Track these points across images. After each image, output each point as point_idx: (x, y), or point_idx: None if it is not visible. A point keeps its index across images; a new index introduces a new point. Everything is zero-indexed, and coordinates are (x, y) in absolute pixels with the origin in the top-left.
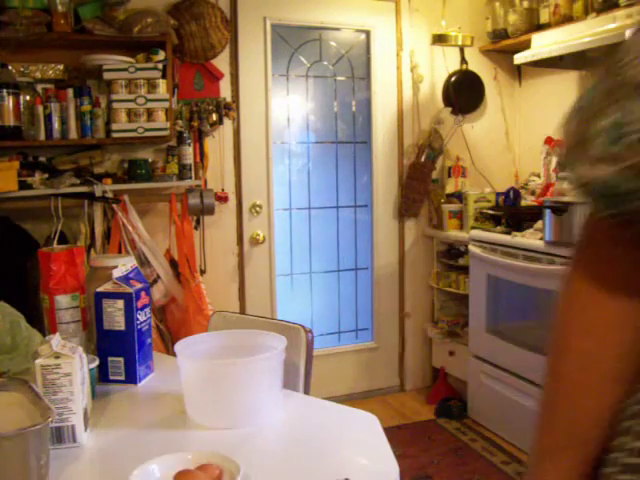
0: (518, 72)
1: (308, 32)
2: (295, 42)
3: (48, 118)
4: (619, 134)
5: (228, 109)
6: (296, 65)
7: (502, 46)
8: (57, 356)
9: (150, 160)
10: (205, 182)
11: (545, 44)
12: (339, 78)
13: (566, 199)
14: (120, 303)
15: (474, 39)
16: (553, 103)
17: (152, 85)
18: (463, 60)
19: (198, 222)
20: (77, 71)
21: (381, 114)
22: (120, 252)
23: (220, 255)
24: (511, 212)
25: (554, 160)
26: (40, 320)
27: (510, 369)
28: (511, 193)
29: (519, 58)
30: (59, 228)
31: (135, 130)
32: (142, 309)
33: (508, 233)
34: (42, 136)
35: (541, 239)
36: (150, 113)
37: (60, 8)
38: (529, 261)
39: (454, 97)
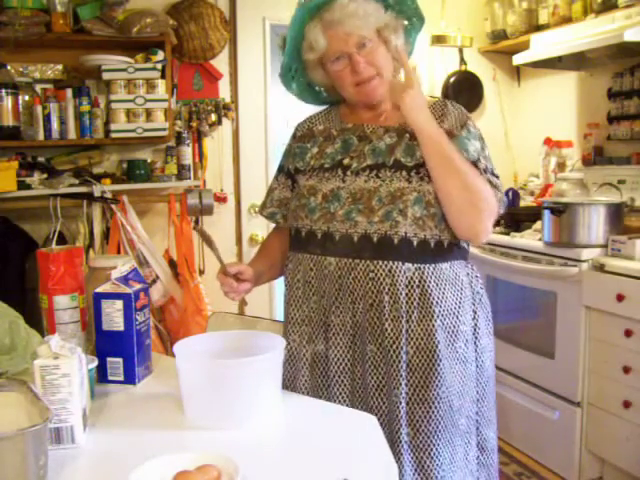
0: (517, 73)
1: None
2: None
3: (47, 118)
4: None
5: (227, 109)
6: None
7: (501, 47)
8: (56, 357)
9: (149, 160)
10: (204, 182)
11: (544, 45)
12: None
13: (565, 200)
14: (119, 304)
15: (473, 40)
16: (552, 104)
17: (151, 85)
18: (462, 61)
19: (197, 222)
20: (76, 71)
21: None
22: (119, 252)
23: None
24: (510, 213)
25: (553, 161)
26: (39, 320)
27: (508, 369)
28: (510, 194)
29: (518, 59)
30: (58, 228)
31: (134, 130)
32: (141, 310)
33: (507, 234)
34: (41, 136)
35: (540, 240)
36: (149, 113)
37: (59, 8)
38: (528, 262)
39: (453, 98)
